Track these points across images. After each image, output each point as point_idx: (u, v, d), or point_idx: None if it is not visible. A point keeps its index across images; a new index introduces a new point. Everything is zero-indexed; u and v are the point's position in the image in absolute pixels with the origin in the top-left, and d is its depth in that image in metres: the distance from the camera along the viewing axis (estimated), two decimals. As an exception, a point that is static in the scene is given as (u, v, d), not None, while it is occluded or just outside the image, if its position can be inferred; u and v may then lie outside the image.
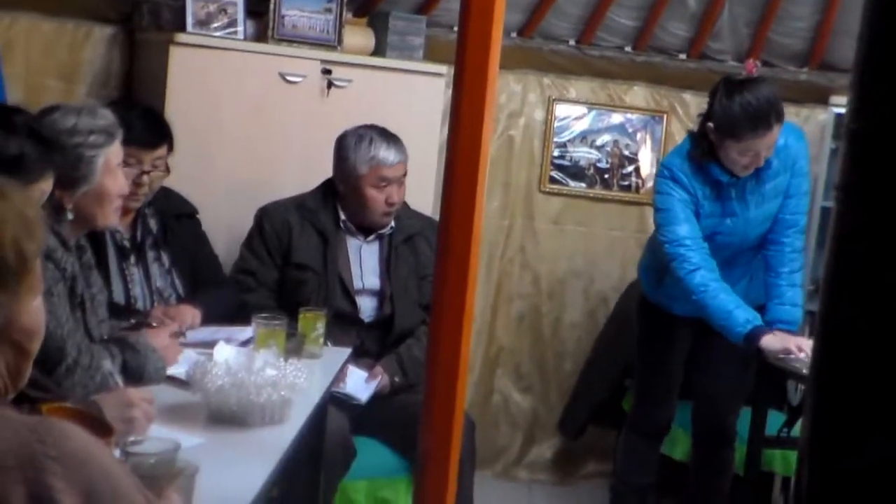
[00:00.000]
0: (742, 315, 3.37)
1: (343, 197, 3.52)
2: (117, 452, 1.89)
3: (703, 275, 3.39)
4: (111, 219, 2.65)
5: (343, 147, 3.50)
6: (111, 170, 2.57)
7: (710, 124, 3.41)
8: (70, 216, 2.52)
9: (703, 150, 3.44)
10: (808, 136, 4.78)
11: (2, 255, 1.40)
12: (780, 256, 3.55)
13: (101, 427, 1.89)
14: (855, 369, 1.33)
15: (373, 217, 3.51)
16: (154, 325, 2.86)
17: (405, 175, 3.52)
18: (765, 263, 3.60)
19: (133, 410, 2.15)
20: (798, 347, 3.35)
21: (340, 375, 3.19)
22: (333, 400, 3.12)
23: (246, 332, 2.89)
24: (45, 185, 2.23)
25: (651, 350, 3.84)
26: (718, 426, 3.75)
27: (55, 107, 2.62)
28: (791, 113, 4.79)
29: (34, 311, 1.47)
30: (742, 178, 3.48)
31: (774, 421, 3.76)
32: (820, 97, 4.73)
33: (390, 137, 3.50)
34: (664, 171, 3.53)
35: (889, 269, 1.30)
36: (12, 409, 1.47)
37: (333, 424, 3.06)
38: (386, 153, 3.45)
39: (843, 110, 3.52)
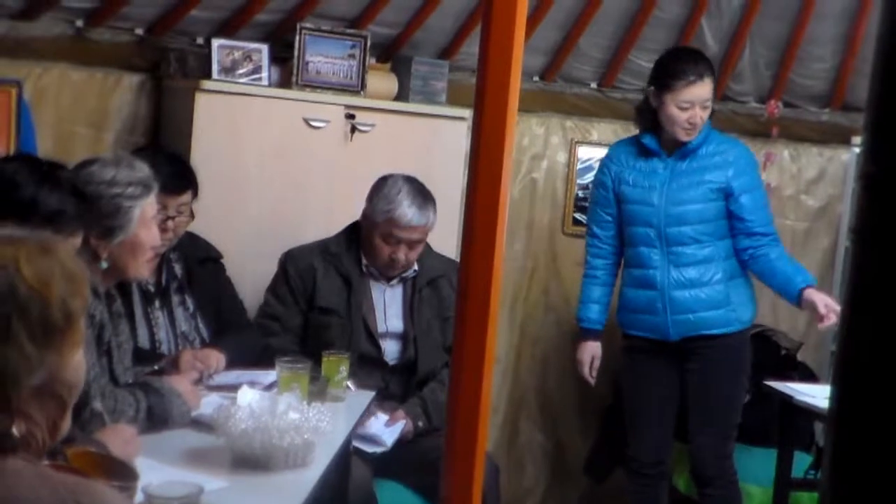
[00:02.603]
0: (589, 313, 3.81)
1: (363, 238, 3.55)
2: (141, 496, 1.91)
3: (594, 267, 3.85)
4: (143, 270, 2.70)
5: (375, 188, 3.52)
6: (146, 221, 2.63)
7: (651, 88, 3.70)
8: (105, 265, 2.58)
9: (646, 121, 3.72)
10: (831, 176, 4.82)
11: (49, 315, 1.41)
12: (770, 259, 3.64)
13: (127, 472, 1.91)
14: (873, 409, 1.33)
15: (377, 263, 3.53)
16: (178, 367, 2.89)
17: (421, 241, 3.51)
18: (761, 272, 3.69)
19: (129, 446, 2.20)
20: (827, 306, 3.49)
21: (363, 420, 3.19)
22: (356, 449, 3.12)
23: (270, 375, 2.91)
24: (77, 241, 2.27)
25: (625, 380, 3.88)
26: (711, 471, 3.72)
27: (94, 159, 2.70)
28: (813, 153, 4.83)
29: (76, 365, 1.48)
30: (676, 155, 3.67)
31: (802, 463, 3.73)
32: (842, 138, 4.73)
33: (420, 199, 3.46)
34: (607, 152, 3.93)
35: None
36: (49, 466, 1.49)
37: (356, 474, 3.06)
38: (405, 211, 3.43)
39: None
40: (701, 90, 3.61)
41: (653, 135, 3.71)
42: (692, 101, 3.59)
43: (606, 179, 3.80)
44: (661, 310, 3.66)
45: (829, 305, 3.46)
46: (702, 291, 3.63)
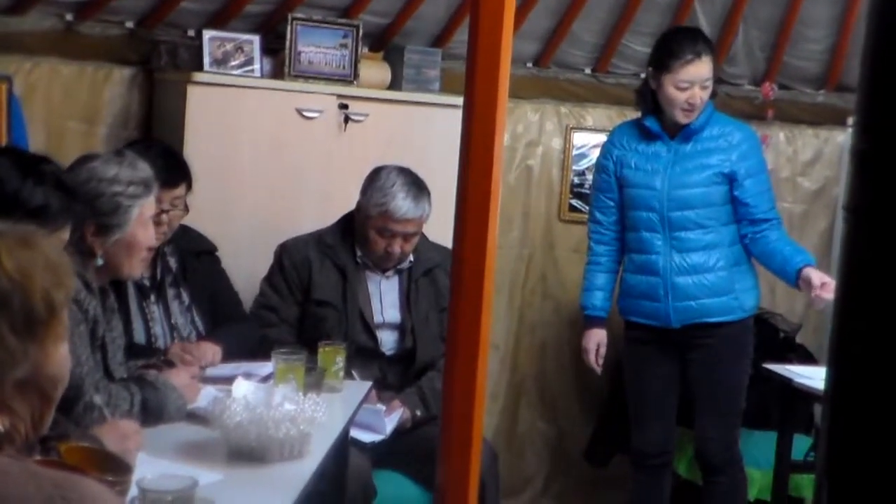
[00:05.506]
0: (593, 300, 3.80)
1: (357, 231, 3.53)
2: (135, 489, 1.90)
3: (597, 254, 3.82)
4: (136, 269, 2.71)
5: (369, 181, 3.50)
6: (144, 222, 2.63)
7: (650, 69, 3.66)
8: (100, 262, 2.58)
9: (647, 104, 3.67)
10: (827, 158, 4.81)
11: (31, 306, 1.41)
12: (769, 241, 3.62)
13: (121, 466, 1.90)
14: (869, 388, 1.32)
15: (373, 257, 3.51)
16: (173, 362, 2.88)
17: (416, 233, 3.49)
18: (760, 254, 3.66)
19: (128, 442, 2.19)
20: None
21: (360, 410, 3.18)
22: (354, 440, 3.11)
23: (266, 367, 2.90)
24: (64, 235, 2.26)
25: (627, 370, 3.85)
26: (719, 459, 3.70)
27: (95, 155, 2.70)
28: (809, 135, 4.82)
29: (60, 359, 1.48)
30: (679, 138, 3.63)
31: (802, 445, 3.73)
32: (838, 119, 4.72)
33: (415, 190, 3.44)
34: (609, 135, 3.88)
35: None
36: (36, 461, 1.48)
37: (354, 463, 3.05)
38: (400, 204, 3.40)
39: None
40: (699, 69, 3.55)
41: (655, 117, 3.66)
42: (691, 81, 3.54)
43: (608, 163, 3.74)
44: (662, 296, 3.63)
45: (825, 282, 3.40)
46: (705, 278, 3.60)
